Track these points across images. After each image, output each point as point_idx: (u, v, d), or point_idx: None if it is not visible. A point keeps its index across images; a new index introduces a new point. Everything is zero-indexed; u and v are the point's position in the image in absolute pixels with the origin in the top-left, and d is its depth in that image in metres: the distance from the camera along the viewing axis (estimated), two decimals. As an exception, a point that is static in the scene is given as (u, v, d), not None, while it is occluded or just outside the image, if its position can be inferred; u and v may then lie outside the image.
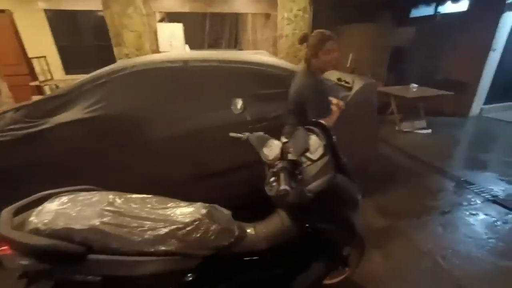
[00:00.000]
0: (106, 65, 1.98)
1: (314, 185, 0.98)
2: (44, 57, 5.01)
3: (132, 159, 1.87)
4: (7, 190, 1.62)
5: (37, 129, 1.70)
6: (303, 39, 1.57)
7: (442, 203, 2.55)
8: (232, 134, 1.43)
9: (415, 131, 4.43)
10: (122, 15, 3.53)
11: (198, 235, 1.03)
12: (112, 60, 4.67)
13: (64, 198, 1.07)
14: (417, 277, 1.76)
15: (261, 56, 2.42)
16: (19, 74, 4.62)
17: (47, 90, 4.92)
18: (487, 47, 4.72)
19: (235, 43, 9.79)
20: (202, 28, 9.75)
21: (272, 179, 1.21)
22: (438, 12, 5.83)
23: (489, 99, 5.20)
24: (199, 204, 1.16)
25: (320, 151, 1.07)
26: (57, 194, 1.11)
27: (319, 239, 1.17)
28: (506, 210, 2.41)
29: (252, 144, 1.25)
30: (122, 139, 1.84)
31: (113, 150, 1.82)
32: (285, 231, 1.20)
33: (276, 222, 1.25)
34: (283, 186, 0.84)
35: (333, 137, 1.07)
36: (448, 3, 5.70)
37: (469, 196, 2.63)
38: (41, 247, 0.86)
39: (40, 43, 5.01)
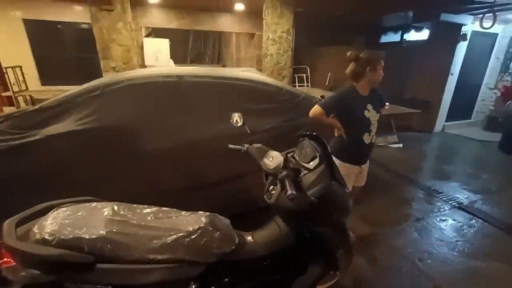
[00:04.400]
0: (86, 78, 1.98)
1: (313, 191, 1.08)
2: (20, 67, 4.79)
3: (126, 171, 1.86)
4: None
5: (26, 141, 1.65)
6: (355, 58, 1.76)
7: (416, 210, 2.78)
8: (231, 146, 1.50)
9: (388, 145, 4.78)
10: (111, 29, 3.55)
11: (202, 242, 1.06)
12: (94, 72, 4.61)
13: (66, 209, 1.07)
14: (399, 280, 1.90)
15: (251, 74, 2.57)
16: (-10, 84, 4.37)
17: (21, 102, 4.66)
18: (446, 72, 5.34)
19: (217, 60, 10.02)
20: (185, 44, 9.90)
21: (271, 187, 1.30)
22: (404, 39, 6.51)
23: (450, 117, 5.81)
24: (200, 213, 1.20)
25: (316, 161, 1.18)
26: (58, 206, 1.10)
27: (316, 243, 1.26)
28: (470, 216, 2.69)
29: (252, 155, 1.33)
30: (117, 151, 1.84)
31: (107, 162, 1.81)
32: (283, 237, 1.27)
33: (274, 229, 1.32)
34: (290, 191, 0.93)
35: (328, 148, 1.19)
36: (412, 32, 6.40)
37: (439, 204, 2.90)
38: (50, 257, 0.85)
39: (16, 53, 4.80)
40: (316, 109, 1.75)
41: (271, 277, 1.27)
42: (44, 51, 5.19)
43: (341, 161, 1.82)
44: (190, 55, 10.12)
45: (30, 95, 4.78)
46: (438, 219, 2.63)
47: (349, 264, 1.66)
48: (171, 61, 5.45)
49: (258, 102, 2.18)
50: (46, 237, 0.90)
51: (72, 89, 1.92)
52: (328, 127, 1.87)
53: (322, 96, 2.80)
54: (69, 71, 5.40)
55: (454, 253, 2.16)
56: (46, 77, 5.29)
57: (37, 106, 1.81)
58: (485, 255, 2.15)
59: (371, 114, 1.79)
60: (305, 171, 1.18)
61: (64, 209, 1.06)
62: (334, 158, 1.76)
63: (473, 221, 2.61)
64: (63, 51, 5.39)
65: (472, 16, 4.89)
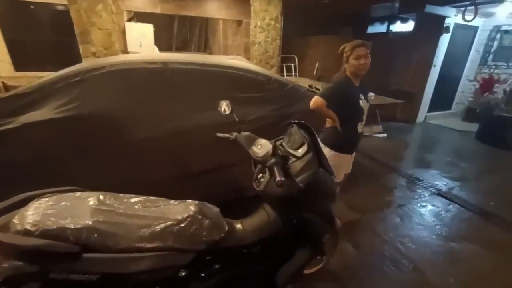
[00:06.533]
0: (64, 63, 1.88)
1: (301, 178, 1.10)
2: (-11, 51, 4.46)
3: (110, 160, 1.81)
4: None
5: (1, 129, 1.56)
6: (340, 52, 1.77)
7: (398, 197, 2.90)
8: (219, 134, 1.48)
9: (373, 135, 4.91)
10: (90, 12, 3.33)
11: (192, 230, 1.06)
12: (73, 57, 4.36)
13: (49, 199, 1.03)
14: (382, 262, 1.99)
15: (239, 61, 2.52)
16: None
17: (-8, 88, 4.36)
18: (429, 63, 5.47)
19: (204, 47, 9.75)
20: (170, 30, 9.54)
21: (260, 175, 1.30)
22: (390, 30, 6.58)
23: (432, 108, 6.01)
24: (188, 201, 1.20)
25: (304, 149, 1.19)
26: (38, 196, 1.06)
27: (303, 229, 1.29)
28: (448, 201, 2.84)
29: (241, 143, 1.32)
30: (99, 140, 1.77)
31: (89, 151, 1.75)
32: (271, 224, 1.29)
33: (262, 216, 1.33)
34: (279, 178, 0.94)
35: (316, 136, 1.20)
36: (398, 23, 6.48)
37: (419, 191, 3.04)
38: (35, 247, 0.83)
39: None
40: (317, 100, 1.72)
41: (260, 263, 1.29)
42: (17, 34, 4.82)
43: (335, 151, 1.83)
44: (175, 42, 9.77)
45: (2, 82, 4.46)
46: (418, 205, 2.75)
47: (335, 249, 1.73)
48: (156, 48, 5.25)
49: (246, 91, 2.15)
50: (28, 227, 0.87)
51: (50, 75, 1.82)
52: (323, 118, 1.86)
53: (310, 86, 2.80)
54: (45, 56, 5.06)
55: (433, 236, 2.29)
56: (20, 63, 4.94)
57: (11, 92, 1.70)
58: (461, 237, 2.28)
59: (364, 103, 1.83)
60: (293, 159, 1.19)
61: (46, 199, 1.03)
62: (327, 149, 1.80)
63: (451, 206, 2.75)
64: (38, 34, 5.03)
65: (455, 9, 5.00)
